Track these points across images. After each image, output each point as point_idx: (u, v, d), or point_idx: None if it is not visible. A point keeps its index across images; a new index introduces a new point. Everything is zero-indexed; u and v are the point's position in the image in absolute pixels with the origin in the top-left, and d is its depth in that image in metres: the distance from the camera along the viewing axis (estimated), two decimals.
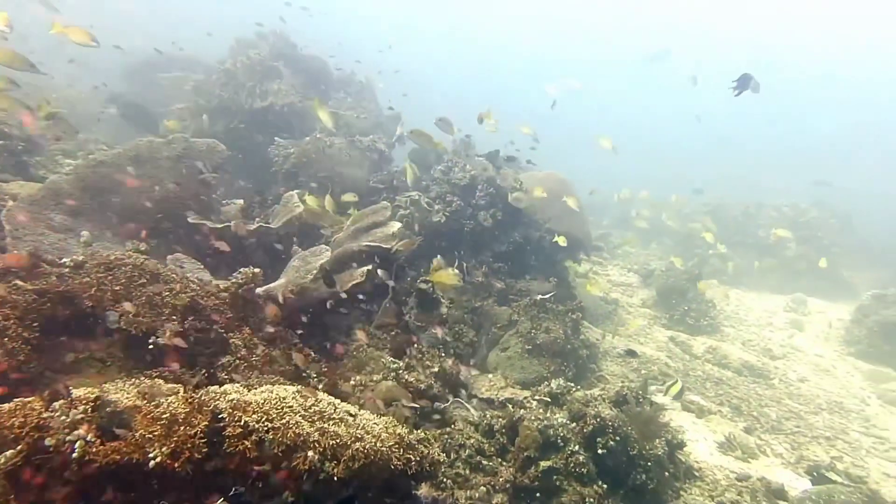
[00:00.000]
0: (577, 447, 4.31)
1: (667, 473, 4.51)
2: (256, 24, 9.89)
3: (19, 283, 3.51)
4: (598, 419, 4.43)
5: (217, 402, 2.99)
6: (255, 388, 3.31)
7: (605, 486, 4.15)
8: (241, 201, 6.39)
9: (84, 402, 2.71)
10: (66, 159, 6.19)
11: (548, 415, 4.62)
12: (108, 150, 5.19)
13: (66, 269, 3.94)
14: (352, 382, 4.67)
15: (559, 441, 4.34)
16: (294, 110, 8.62)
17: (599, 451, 4.32)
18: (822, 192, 17.58)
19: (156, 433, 2.72)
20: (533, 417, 4.56)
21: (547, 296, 7.20)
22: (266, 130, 8.02)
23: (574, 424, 4.50)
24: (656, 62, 29.16)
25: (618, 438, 4.35)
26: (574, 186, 10.32)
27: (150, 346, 3.80)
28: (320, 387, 4.56)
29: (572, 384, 5.31)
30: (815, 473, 5.15)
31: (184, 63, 10.46)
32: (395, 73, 13.39)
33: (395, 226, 5.91)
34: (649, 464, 4.38)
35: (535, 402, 5.04)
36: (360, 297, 5.45)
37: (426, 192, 7.88)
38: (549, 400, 5.07)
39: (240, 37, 10.32)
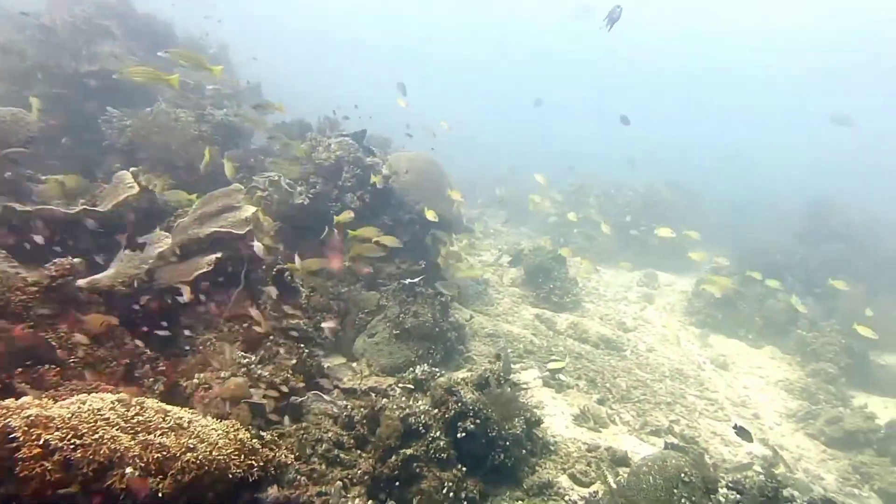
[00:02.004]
0: (438, 433, 4.28)
1: (524, 451, 4.64)
2: None
3: None
4: (460, 404, 4.44)
5: (8, 419, 2.52)
6: (64, 400, 2.86)
7: (464, 468, 4.18)
8: (62, 178, 5.58)
9: None
10: None
11: (410, 402, 4.54)
12: None
13: None
14: (195, 381, 4.26)
15: (421, 428, 4.29)
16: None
17: (460, 435, 4.33)
18: (674, 173, 19.41)
19: None
20: (395, 406, 4.47)
21: (416, 280, 7.14)
22: (97, 99, 7.06)
23: (436, 410, 4.47)
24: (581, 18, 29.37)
25: (478, 421, 4.39)
26: (443, 167, 10.35)
27: None
28: (158, 388, 4.13)
29: (437, 370, 5.29)
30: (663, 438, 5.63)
31: None
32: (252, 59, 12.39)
33: (249, 210, 5.47)
34: (507, 443, 4.49)
35: (398, 390, 4.96)
36: (209, 287, 4.99)
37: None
38: (413, 387, 5.01)
39: None
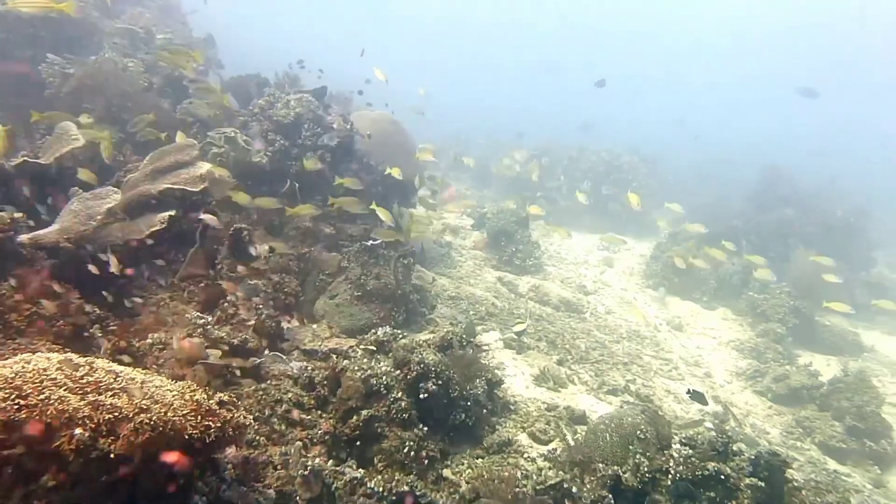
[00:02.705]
0: (400, 394, 4.30)
1: (485, 411, 4.71)
2: None
3: None
4: (422, 365, 4.45)
5: None
6: (6, 360, 2.72)
7: (425, 428, 4.22)
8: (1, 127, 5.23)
9: None
10: None
11: (372, 364, 4.53)
12: None
13: None
14: (149, 341, 4.14)
15: (382, 389, 4.29)
16: (75, 22, 7.16)
17: (422, 396, 4.36)
18: (635, 139, 19.68)
19: None
20: (356, 367, 4.45)
21: (377, 241, 7.06)
22: (38, 45, 6.58)
23: (398, 372, 4.47)
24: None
25: (440, 382, 4.42)
26: (405, 127, 10.17)
27: None
28: (107, 346, 3.99)
29: (399, 331, 5.28)
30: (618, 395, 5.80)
31: None
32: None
33: (204, 167, 5.25)
34: (468, 403, 4.54)
35: (360, 352, 4.94)
36: (162, 246, 4.81)
37: (245, 129, 7.16)
38: (375, 349, 4.99)
39: None
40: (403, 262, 7.19)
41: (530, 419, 4.92)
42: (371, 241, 7.04)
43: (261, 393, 4.20)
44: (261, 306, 4.93)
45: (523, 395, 5.42)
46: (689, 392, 5.01)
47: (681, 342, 8.49)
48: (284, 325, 5.12)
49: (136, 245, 4.62)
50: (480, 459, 4.31)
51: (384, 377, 4.36)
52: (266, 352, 4.64)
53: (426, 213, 9.87)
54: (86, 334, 3.91)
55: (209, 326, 4.36)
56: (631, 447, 3.67)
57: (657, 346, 8.00)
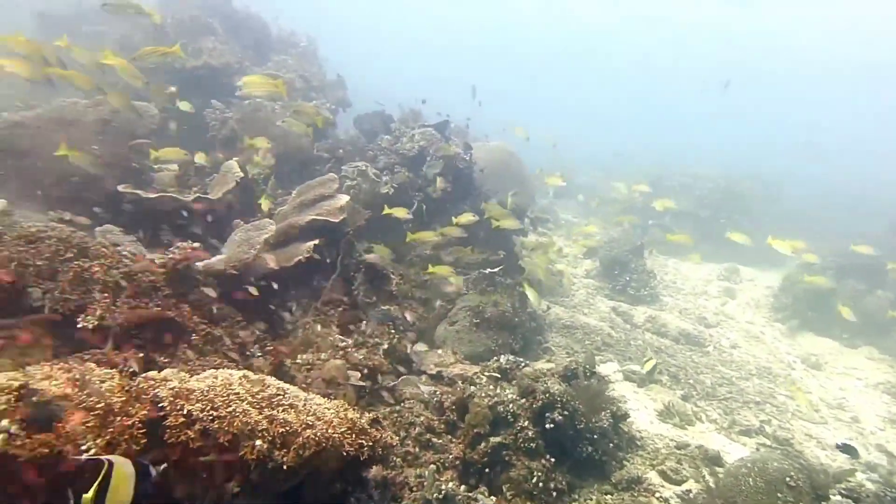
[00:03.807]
0: (526, 423, 4.37)
1: (611, 444, 4.65)
2: None
3: None
4: (548, 394, 4.49)
5: (157, 390, 2.81)
6: (199, 374, 3.14)
7: (552, 459, 4.24)
8: (176, 167, 6.01)
9: (7, 391, 2.48)
10: None
11: (497, 391, 4.65)
12: (28, 111, 4.71)
13: None
14: (298, 361, 4.53)
15: (509, 417, 4.38)
16: (232, 72, 8.11)
17: (548, 426, 4.40)
18: (753, 163, 18.50)
19: (89, 424, 2.54)
20: (483, 394, 4.59)
21: (496, 269, 7.23)
22: (200, 92, 7.51)
23: (524, 400, 4.55)
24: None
25: (566, 413, 4.44)
26: (520, 158, 10.36)
27: (80, 327, 3.55)
28: (265, 366, 4.42)
29: (521, 360, 5.36)
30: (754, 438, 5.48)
31: (108, 17, 9.56)
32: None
33: (343, 199, 5.70)
34: (595, 436, 4.51)
35: (484, 378, 5.08)
36: (307, 272, 5.27)
37: (374, 163, 7.67)
38: (499, 375, 5.11)
39: None
40: (520, 289, 7.30)
41: (659, 456, 4.78)
42: (489, 270, 7.24)
43: (395, 415, 4.45)
44: (392, 331, 5.24)
45: (649, 431, 5.27)
46: (839, 446, 4.62)
47: (819, 382, 7.83)
48: (413, 349, 5.38)
49: (286, 271, 5.10)
50: (609, 496, 4.26)
51: (510, 405, 4.45)
52: (398, 375, 4.91)
53: (538, 240, 9.94)
54: (248, 353, 4.38)
55: (349, 349, 4.70)
56: (780, 495, 3.47)
57: (792, 384, 7.42)
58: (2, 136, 4.40)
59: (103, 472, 1.97)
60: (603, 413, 4.72)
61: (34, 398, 2.53)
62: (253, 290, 4.71)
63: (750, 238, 8.64)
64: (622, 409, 5.05)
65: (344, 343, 4.74)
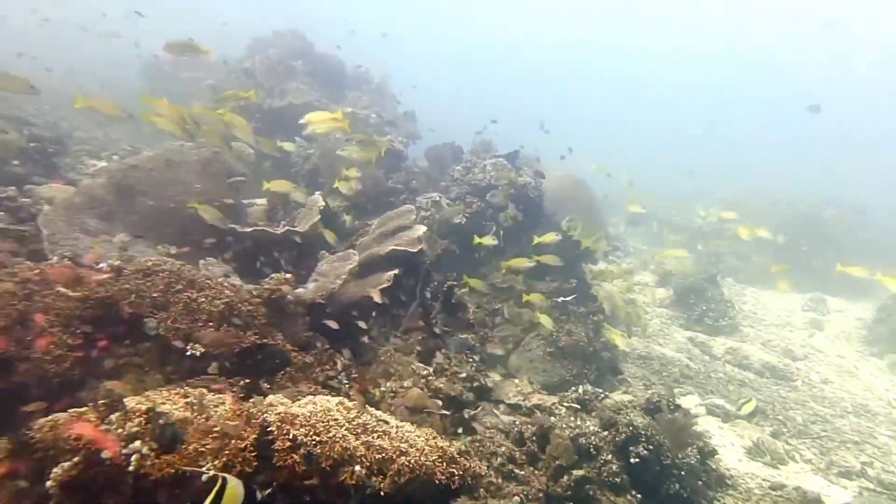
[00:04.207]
0: (609, 456, 4.31)
1: (700, 482, 4.50)
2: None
3: (62, 289, 3.51)
4: (631, 427, 4.43)
5: (265, 414, 2.99)
6: (300, 400, 3.31)
7: (638, 495, 4.15)
8: (265, 202, 6.39)
9: (138, 413, 2.72)
10: (91, 160, 6.20)
11: (578, 422, 4.61)
12: (141, 154, 5.19)
13: (105, 276, 3.94)
14: (382, 389, 4.67)
15: (591, 450, 4.34)
16: (312, 109, 8.57)
17: (632, 461, 4.32)
18: (836, 186, 17.52)
19: (208, 446, 2.73)
20: (564, 425, 4.56)
21: (569, 298, 7.19)
22: (284, 130, 7.98)
23: (606, 433, 4.50)
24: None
25: (651, 447, 4.35)
26: (589, 186, 10.31)
27: (188, 354, 3.81)
28: (352, 393, 4.57)
29: (600, 391, 5.30)
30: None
31: (203, 64, 10.43)
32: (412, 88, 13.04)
33: (421, 229, 5.87)
34: (682, 472, 4.38)
35: (564, 409, 5.04)
36: (387, 301, 5.43)
37: (446, 193, 7.85)
38: (578, 406, 5.06)
39: (257, 36, 10.30)
40: (594, 318, 7.23)
41: (753, 497, 4.57)
42: (562, 299, 7.21)
43: (477, 444, 4.48)
44: (470, 360, 5.30)
45: (738, 469, 5.06)
46: None
47: None
48: (491, 378, 5.42)
49: (367, 300, 5.29)
50: None
51: (593, 437, 4.41)
52: (477, 403, 4.96)
53: (608, 268, 9.80)
54: (336, 380, 4.55)
55: (430, 377, 4.80)
56: None
57: (895, 424, 6.91)
58: (120, 177, 4.87)
59: (217, 487, 2.12)
60: (690, 448, 4.59)
61: (160, 421, 2.76)
62: (333, 324, 4.90)
63: (865, 270, 7.95)
64: (709, 444, 4.88)
65: (425, 371, 4.84)
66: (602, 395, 5.19)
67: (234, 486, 2.00)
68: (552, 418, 4.75)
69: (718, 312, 9.57)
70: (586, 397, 5.17)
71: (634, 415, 4.59)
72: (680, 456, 4.48)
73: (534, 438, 4.69)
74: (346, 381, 4.59)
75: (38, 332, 3.22)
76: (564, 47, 52.87)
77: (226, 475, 2.04)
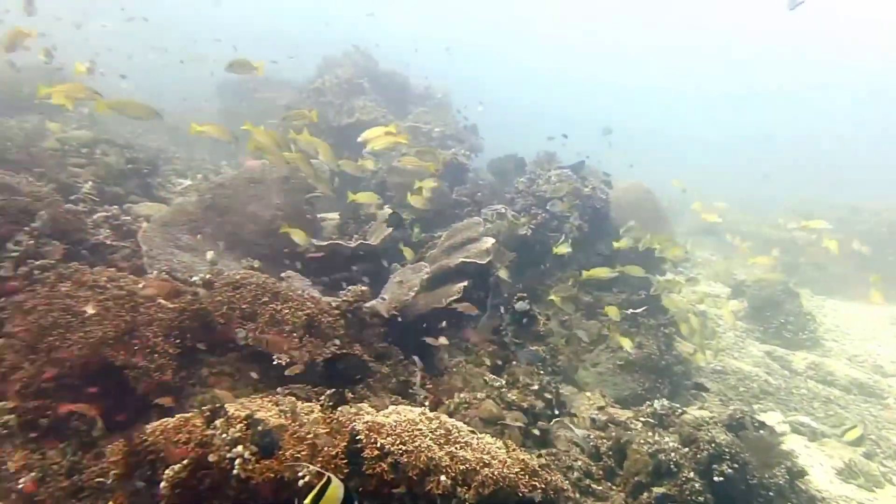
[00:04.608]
0: (691, 474, 4.17)
1: None
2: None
3: (162, 301, 3.75)
4: (714, 444, 4.28)
5: (354, 423, 3.09)
6: (383, 410, 3.40)
7: None
8: (337, 216, 6.61)
9: (238, 420, 2.87)
10: (179, 179, 6.62)
11: (656, 438, 4.50)
12: (227, 173, 5.50)
13: (198, 289, 4.18)
14: (456, 400, 4.71)
15: (672, 466, 4.21)
16: (378, 125, 8.81)
17: (716, 479, 4.17)
18: None
19: (303, 452, 2.85)
20: (641, 440, 4.47)
21: (639, 310, 7.04)
22: (353, 147, 8.24)
23: (686, 449, 4.36)
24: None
25: (736, 466, 4.19)
26: (657, 196, 10.07)
27: (275, 364, 3.98)
28: (427, 404, 4.64)
29: (678, 405, 5.16)
30: None
31: (276, 83, 10.97)
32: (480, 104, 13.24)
33: (489, 241, 5.92)
34: (770, 493, 4.20)
35: (640, 424, 4.93)
36: (457, 313, 5.49)
37: (511, 205, 7.87)
38: (655, 421, 4.94)
39: (327, 55, 10.72)
40: (665, 331, 7.05)
41: None
42: (631, 311, 7.07)
43: (552, 458, 4.44)
44: (541, 372, 5.28)
45: (830, 492, 4.79)
46: None
47: None
48: (562, 391, 5.37)
49: (438, 311, 5.36)
50: None
51: (672, 454, 4.28)
52: (550, 417, 4.92)
53: (675, 279, 9.52)
54: (411, 391, 4.63)
55: (503, 389, 4.81)
56: None
57: None
58: (210, 195, 5.17)
59: (321, 483, 2.20)
60: (777, 468, 4.38)
61: (259, 427, 2.90)
62: (437, 340, 4.99)
63: None
64: (798, 464, 4.64)
65: (498, 383, 4.86)
66: (679, 411, 5.04)
67: (336, 487, 2.09)
68: (628, 433, 4.66)
69: (798, 325, 9.12)
70: (663, 412, 5.03)
71: (716, 431, 4.44)
72: (767, 476, 4.29)
73: (610, 453, 4.61)
74: (420, 392, 4.67)
75: (144, 343, 3.45)
76: (614, 56, 52.05)
77: (330, 474, 2.13)
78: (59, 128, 5.72)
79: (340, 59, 10.52)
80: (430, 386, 4.80)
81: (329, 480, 2.08)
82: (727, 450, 4.25)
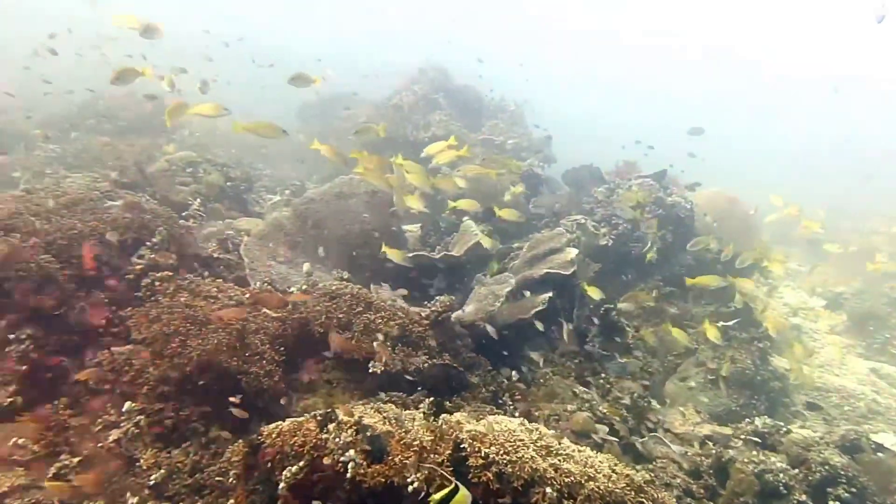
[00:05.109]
0: (803, 496, 3.93)
1: None
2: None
3: (267, 311, 3.93)
4: (827, 466, 4.02)
5: (457, 432, 3.11)
6: (483, 419, 3.40)
7: None
8: (418, 228, 6.72)
9: (349, 425, 2.95)
10: (268, 195, 6.97)
11: (762, 457, 4.27)
12: (316, 188, 5.73)
13: (298, 299, 4.35)
14: (546, 412, 4.66)
15: (781, 488, 3.99)
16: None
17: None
18: None
19: (410, 459, 2.89)
20: (745, 459, 4.25)
21: (731, 322, 6.74)
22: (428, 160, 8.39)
23: (796, 471, 4.12)
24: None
25: (853, 490, 3.91)
26: (742, 204, 9.64)
27: (371, 371, 4.08)
28: (517, 415, 4.61)
29: (781, 424, 4.88)
30: None
31: (355, 102, 11.36)
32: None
33: (572, 252, 5.85)
34: None
35: (741, 442, 4.70)
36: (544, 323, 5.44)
37: (590, 216, 7.75)
38: (758, 440, 4.69)
39: (404, 73, 11.00)
40: (759, 345, 6.70)
41: None
42: (722, 323, 6.76)
43: (651, 475, 4.29)
44: (632, 385, 5.14)
45: None
46: None
47: None
48: (653, 405, 5.20)
49: (523, 322, 5.33)
50: None
51: (781, 475, 4.05)
52: (643, 431, 4.77)
53: (762, 289, 9.04)
54: (500, 401, 4.62)
55: (594, 402, 4.71)
56: None
57: None
58: (301, 210, 5.41)
59: (449, 489, 2.22)
60: None
61: (368, 432, 2.97)
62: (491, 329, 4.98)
63: None
64: None
65: (588, 395, 4.77)
66: (784, 429, 4.77)
67: (465, 495, 2.10)
68: (730, 451, 4.45)
69: None
70: (765, 430, 4.78)
71: (829, 453, 4.16)
72: (889, 503, 3.98)
73: (711, 471, 4.41)
74: (510, 403, 4.65)
75: (254, 349, 3.62)
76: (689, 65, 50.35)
77: (459, 483, 2.15)
78: (174, 149, 6.18)
79: (417, 76, 10.76)
80: (519, 397, 4.77)
81: (457, 488, 2.10)
82: (843, 473, 3.99)
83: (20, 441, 2.68)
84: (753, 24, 44.59)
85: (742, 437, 4.77)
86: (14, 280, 3.44)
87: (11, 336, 3.24)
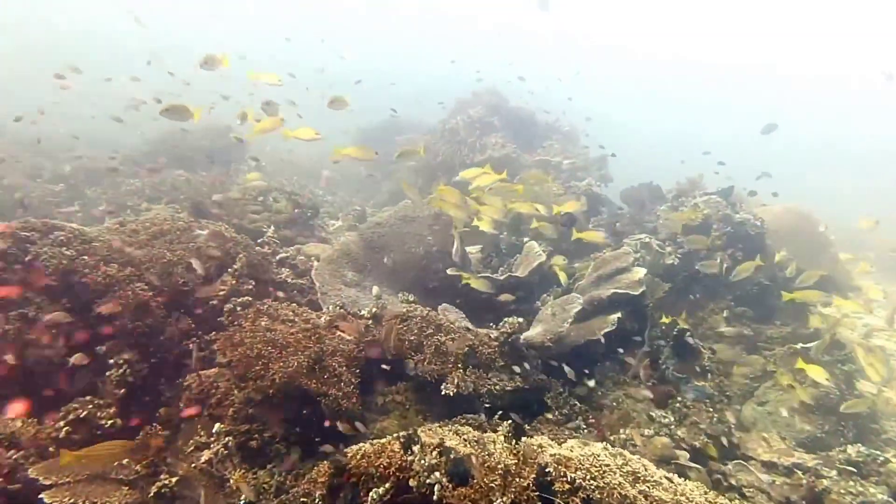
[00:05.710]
0: None
1: None
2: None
3: (343, 334, 3.99)
4: None
5: (540, 455, 3.04)
6: (565, 443, 3.33)
7: None
8: (479, 249, 6.72)
9: (431, 447, 2.93)
10: (331, 220, 7.14)
11: (860, 489, 4.00)
12: (382, 213, 5.84)
13: (368, 322, 4.40)
14: (622, 436, 4.51)
15: None
16: (510, 159, 8.97)
17: None
18: None
19: (495, 482, 2.84)
20: (841, 490, 3.99)
21: (810, 345, 6.39)
22: None
23: None
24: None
25: None
26: (816, 219, 9.21)
27: (443, 394, 4.06)
28: (591, 438, 4.48)
29: (878, 452, 4.56)
30: None
31: (412, 126, 11.62)
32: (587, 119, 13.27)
33: (641, 272, 5.71)
34: None
35: (834, 472, 4.41)
36: (610, 345, 5.31)
37: (654, 234, 7.57)
38: (853, 469, 4.39)
39: (460, 97, 11.20)
40: (843, 368, 6.32)
41: None
42: (801, 345, 6.44)
43: None
44: (710, 410, 4.92)
45: None
46: None
47: None
48: (733, 431, 4.96)
49: (592, 344, 5.22)
50: None
51: None
52: (722, 459, 4.55)
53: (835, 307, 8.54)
54: (572, 423, 4.51)
55: (672, 426, 4.53)
56: None
57: None
58: (368, 234, 5.51)
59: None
60: None
61: (451, 455, 2.94)
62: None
63: None
64: None
65: (667, 420, 4.59)
66: (881, 458, 4.45)
67: None
68: (824, 482, 4.18)
69: None
70: (860, 459, 4.47)
71: None
72: None
73: (803, 502, 4.15)
74: (584, 426, 4.53)
75: (332, 372, 3.67)
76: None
77: None
78: (258, 176, 6.47)
79: (471, 99, 10.91)
80: (594, 421, 4.65)
81: None
82: None
83: (125, 461, 2.79)
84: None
85: (836, 466, 4.48)
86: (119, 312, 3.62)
87: (111, 361, 3.41)
